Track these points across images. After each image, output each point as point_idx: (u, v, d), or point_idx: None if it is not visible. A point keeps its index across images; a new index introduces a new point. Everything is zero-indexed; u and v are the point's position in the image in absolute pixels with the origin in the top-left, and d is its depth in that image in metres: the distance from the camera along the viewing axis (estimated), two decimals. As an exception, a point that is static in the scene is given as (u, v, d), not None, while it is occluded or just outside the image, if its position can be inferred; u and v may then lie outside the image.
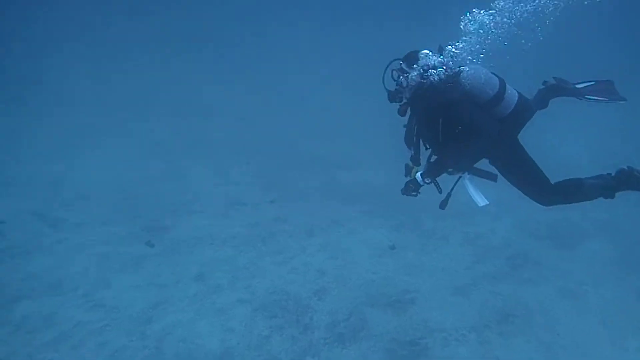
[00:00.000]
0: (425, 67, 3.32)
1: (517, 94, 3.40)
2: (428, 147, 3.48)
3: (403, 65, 3.40)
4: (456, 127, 3.24)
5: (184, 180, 7.61)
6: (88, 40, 12.69)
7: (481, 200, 3.45)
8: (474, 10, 3.39)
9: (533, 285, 5.53)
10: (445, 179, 3.50)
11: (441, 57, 3.36)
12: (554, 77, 3.65)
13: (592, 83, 3.71)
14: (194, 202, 6.92)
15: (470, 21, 3.36)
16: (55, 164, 7.33)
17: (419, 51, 3.41)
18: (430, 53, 3.39)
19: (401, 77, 3.39)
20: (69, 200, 6.49)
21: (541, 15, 3.59)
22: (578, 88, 3.65)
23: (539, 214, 7.11)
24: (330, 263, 5.67)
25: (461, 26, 3.39)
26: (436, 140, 3.35)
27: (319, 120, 9.98)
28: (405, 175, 3.53)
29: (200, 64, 12.91)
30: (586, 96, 3.56)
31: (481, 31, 3.36)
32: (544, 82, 3.67)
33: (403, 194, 3.48)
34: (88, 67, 11.28)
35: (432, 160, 3.47)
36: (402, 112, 3.43)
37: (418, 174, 3.42)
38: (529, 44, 3.62)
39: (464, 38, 3.36)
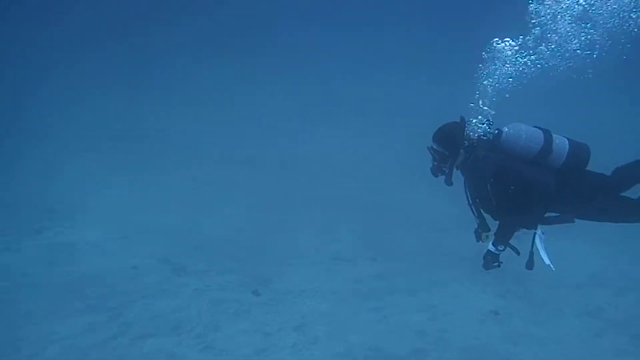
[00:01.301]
0: (463, 139, 3.35)
1: (567, 142, 3.30)
2: (486, 213, 3.40)
3: (434, 145, 3.43)
4: (508, 188, 3.20)
5: (290, 234, 8.07)
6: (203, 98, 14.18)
7: (547, 260, 3.28)
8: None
9: (663, 368, 4.92)
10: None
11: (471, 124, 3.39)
12: None
13: None
14: (298, 256, 7.30)
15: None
16: (179, 216, 8.26)
17: (455, 123, 3.43)
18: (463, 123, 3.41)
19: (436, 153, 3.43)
20: (190, 249, 7.23)
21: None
22: None
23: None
24: (429, 324, 5.59)
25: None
26: (490, 205, 3.30)
27: (423, 180, 10.04)
28: (477, 241, 3.48)
29: (299, 117, 13.65)
30: None
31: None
32: None
33: (486, 269, 3.40)
34: (203, 123, 12.62)
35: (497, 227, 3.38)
36: (448, 182, 3.45)
37: (490, 245, 3.36)
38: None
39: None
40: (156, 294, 6.05)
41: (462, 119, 3.44)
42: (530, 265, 3.38)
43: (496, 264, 3.38)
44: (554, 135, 3.29)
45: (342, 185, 10.06)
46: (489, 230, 3.42)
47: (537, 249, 3.33)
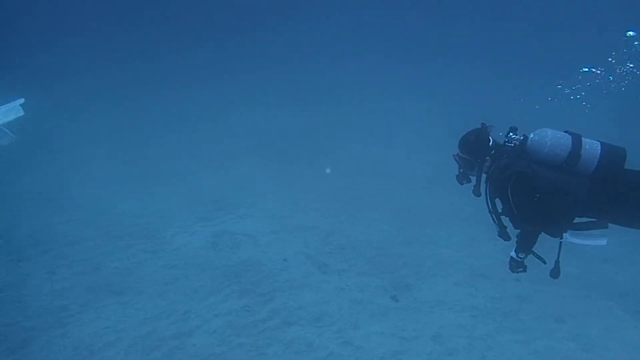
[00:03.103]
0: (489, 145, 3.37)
1: (598, 146, 3.06)
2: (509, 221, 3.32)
3: (460, 153, 3.48)
4: (531, 196, 3.13)
5: (430, 246, 8.06)
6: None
7: (598, 241, 3.19)
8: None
9: None
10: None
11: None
12: None
13: None
14: (438, 267, 7.26)
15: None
16: (327, 218, 8.77)
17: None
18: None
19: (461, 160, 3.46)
20: (334, 249, 7.65)
21: None
22: None
23: None
24: (580, 355, 5.18)
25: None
26: (511, 213, 3.27)
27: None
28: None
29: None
30: None
31: None
32: None
33: (512, 272, 3.44)
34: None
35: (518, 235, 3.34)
36: (476, 192, 3.45)
37: (513, 252, 3.36)
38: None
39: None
40: (301, 287, 6.55)
41: (484, 125, 3.40)
42: (555, 274, 3.33)
43: (521, 269, 3.38)
44: (584, 140, 3.12)
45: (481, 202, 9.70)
46: (509, 239, 3.40)
47: (585, 244, 3.21)
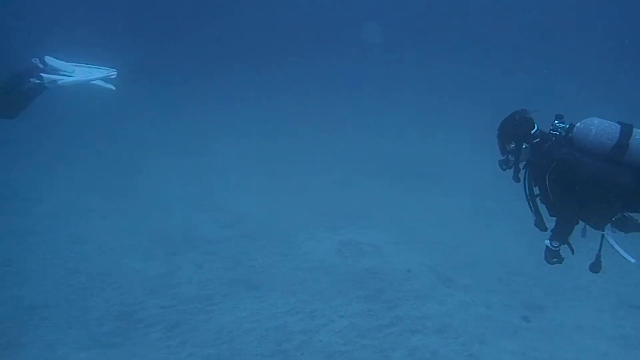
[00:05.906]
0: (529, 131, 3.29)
1: None
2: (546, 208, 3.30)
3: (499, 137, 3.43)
4: (572, 184, 3.05)
5: (567, 269, 7.45)
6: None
7: (631, 257, 3.16)
8: None
9: None
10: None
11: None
12: None
13: None
14: (576, 291, 6.75)
15: None
16: (452, 234, 8.60)
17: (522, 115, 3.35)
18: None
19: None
20: (459, 265, 7.48)
21: None
22: None
23: None
24: None
25: None
26: (547, 200, 3.23)
27: None
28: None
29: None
30: None
31: None
32: None
33: (548, 263, 3.40)
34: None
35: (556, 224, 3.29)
36: (515, 178, 3.39)
37: (547, 240, 3.31)
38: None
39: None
40: (425, 297, 6.53)
41: (523, 110, 3.32)
42: (595, 268, 3.30)
43: (556, 259, 3.34)
44: (635, 130, 3.04)
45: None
46: (546, 229, 3.35)
47: (618, 250, 3.17)
